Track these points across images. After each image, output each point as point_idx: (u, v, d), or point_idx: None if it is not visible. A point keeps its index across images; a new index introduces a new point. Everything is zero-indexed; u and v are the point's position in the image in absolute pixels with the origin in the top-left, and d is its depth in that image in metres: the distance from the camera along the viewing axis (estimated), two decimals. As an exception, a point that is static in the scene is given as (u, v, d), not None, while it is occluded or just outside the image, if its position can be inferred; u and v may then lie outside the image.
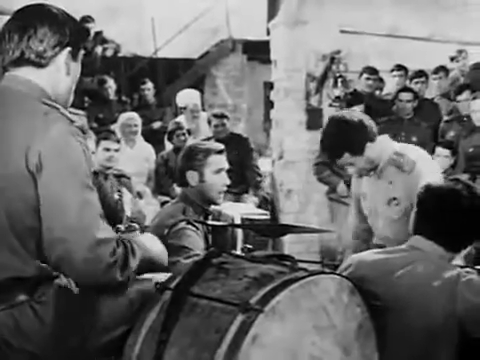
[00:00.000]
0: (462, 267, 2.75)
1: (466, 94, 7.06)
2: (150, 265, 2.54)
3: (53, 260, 2.25)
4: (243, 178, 7.47)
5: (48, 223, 2.23)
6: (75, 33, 2.42)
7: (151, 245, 2.57)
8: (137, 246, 2.41)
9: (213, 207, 3.95)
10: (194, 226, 3.69)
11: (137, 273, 2.43)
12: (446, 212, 2.76)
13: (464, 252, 2.84)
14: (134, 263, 2.35)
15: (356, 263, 2.83)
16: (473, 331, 2.60)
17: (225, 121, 7.66)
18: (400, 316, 2.61)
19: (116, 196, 5.21)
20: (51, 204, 2.22)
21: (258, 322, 2.13)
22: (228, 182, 3.90)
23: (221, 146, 3.97)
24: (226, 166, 3.91)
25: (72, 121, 2.32)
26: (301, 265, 2.50)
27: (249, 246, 3.43)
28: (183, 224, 3.67)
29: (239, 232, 3.69)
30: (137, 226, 4.63)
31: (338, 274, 2.49)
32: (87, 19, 10.38)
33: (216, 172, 3.85)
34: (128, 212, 4.96)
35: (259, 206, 7.20)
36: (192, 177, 3.85)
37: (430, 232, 2.77)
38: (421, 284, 2.64)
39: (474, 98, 6.70)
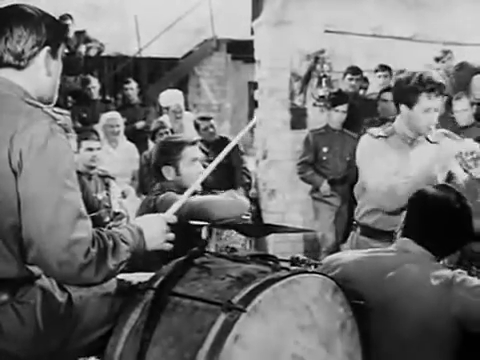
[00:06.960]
0: (452, 268, 2.76)
1: None
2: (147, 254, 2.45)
3: (30, 261, 2.24)
4: (232, 180, 7.45)
5: (25, 223, 2.21)
6: (52, 31, 2.39)
7: (149, 229, 2.45)
8: (126, 239, 2.34)
9: None
10: None
11: (133, 263, 2.36)
12: (436, 218, 2.79)
13: (453, 256, 2.87)
14: (113, 262, 2.28)
15: (341, 263, 2.81)
16: (471, 328, 2.60)
17: (212, 122, 7.66)
18: (393, 318, 2.60)
19: (100, 196, 5.19)
20: (28, 202, 2.20)
21: (240, 321, 2.13)
22: (202, 170, 3.84)
23: (194, 137, 4.07)
24: (200, 156, 3.98)
25: (55, 119, 2.30)
26: (284, 264, 2.50)
27: (232, 246, 3.41)
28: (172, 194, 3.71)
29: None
30: (125, 213, 4.60)
31: (321, 273, 2.48)
32: (65, 17, 10.34)
33: (190, 163, 3.91)
34: (116, 207, 4.93)
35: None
36: (168, 171, 3.90)
37: (419, 236, 2.79)
38: (414, 286, 2.63)
39: (457, 98, 6.73)
